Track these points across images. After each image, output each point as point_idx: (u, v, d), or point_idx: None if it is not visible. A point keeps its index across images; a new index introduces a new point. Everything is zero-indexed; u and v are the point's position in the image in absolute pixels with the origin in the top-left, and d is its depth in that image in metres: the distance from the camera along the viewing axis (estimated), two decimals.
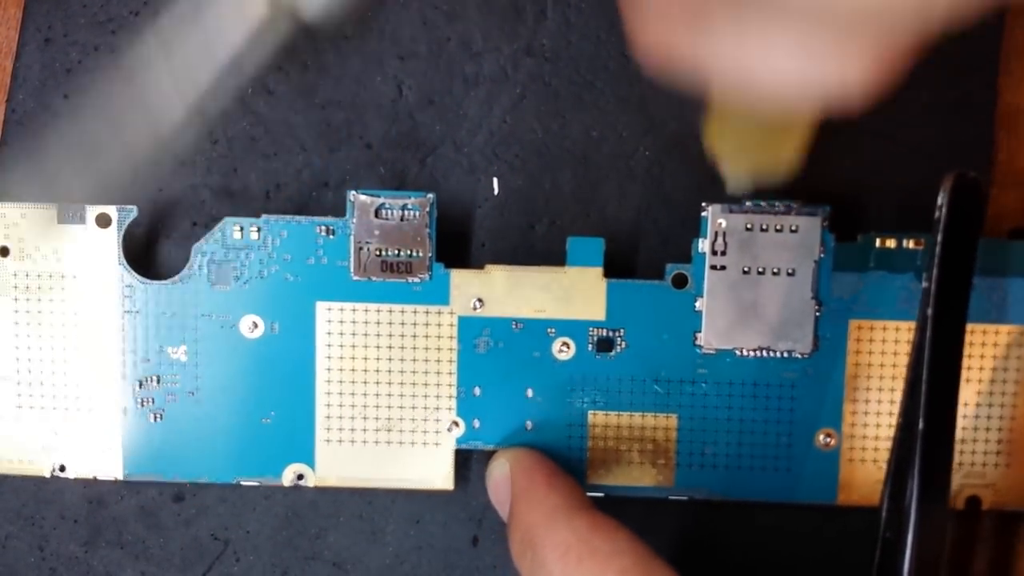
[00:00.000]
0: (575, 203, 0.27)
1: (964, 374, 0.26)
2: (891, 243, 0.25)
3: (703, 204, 0.25)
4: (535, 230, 0.27)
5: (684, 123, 0.27)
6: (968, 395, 0.26)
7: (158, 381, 0.26)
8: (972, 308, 0.25)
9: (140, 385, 0.26)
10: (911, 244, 0.25)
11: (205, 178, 0.27)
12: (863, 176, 0.27)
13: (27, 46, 0.27)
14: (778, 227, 0.25)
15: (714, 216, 0.25)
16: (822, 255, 0.25)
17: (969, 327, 0.25)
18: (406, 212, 0.26)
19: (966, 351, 0.25)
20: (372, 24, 0.27)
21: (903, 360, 0.26)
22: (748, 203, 0.25)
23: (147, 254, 0.27)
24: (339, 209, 0.26)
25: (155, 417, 0.26)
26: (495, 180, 0.27)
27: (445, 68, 0.27)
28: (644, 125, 0.27)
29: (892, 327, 0.26)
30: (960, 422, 0.26)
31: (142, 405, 0.26)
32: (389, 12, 0.27)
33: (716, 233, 0.25)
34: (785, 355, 0.26)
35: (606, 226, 0.27)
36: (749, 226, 0.25)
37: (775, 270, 0.25)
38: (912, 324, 0.25)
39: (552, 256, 0.27)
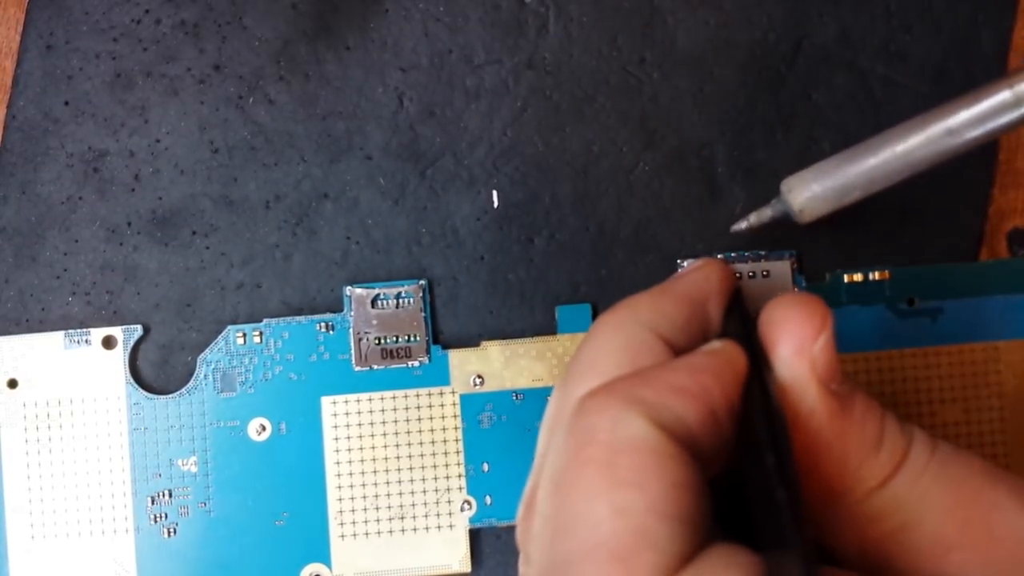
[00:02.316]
0: (575, 217, 0.28)
1: (944, 394, 0.27)
2: (858, 277, 0.27)
3: (678, 261, 0.27)
4: (535, 243, 0.28)
5: (684, 138, 0.28)
6: (955, 414, 0.27)
7: (170, 495, 0.26)
8: (945, 330, 0.27)
9: (152, 501, 0.26)
10: (877, 276, 0.27)
11: (205, 187, 0.27)
12: None
13: (28, 52, 0.27)
14: (751, 273, 0.27)
15: None
16: None
17: (945, 348, 0.27)
18: (401, 300, 0.27)
19: (943, 372, 0.27)
20: (374, 35, 0.28)
21: (889, 388, 0.27)
22: (719, 255, 0.27)
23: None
24: (337, 217, 0.27)
25: (168, 533, 0.26)
26: (495, 193, 0.28)
27: (446, 80, 0.28)
28: (644, 140, 0.28)
29: (873, 357, 0.27)
30: (952, 440, 0.27)
31: (155, 521, 0.26)
32: (391, 23, 0.28)
33: None
34: None
35: (604, 240, 0.27)
36: None
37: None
38: (891, 352, 0.27)
39: (550, 272, 0.27)
